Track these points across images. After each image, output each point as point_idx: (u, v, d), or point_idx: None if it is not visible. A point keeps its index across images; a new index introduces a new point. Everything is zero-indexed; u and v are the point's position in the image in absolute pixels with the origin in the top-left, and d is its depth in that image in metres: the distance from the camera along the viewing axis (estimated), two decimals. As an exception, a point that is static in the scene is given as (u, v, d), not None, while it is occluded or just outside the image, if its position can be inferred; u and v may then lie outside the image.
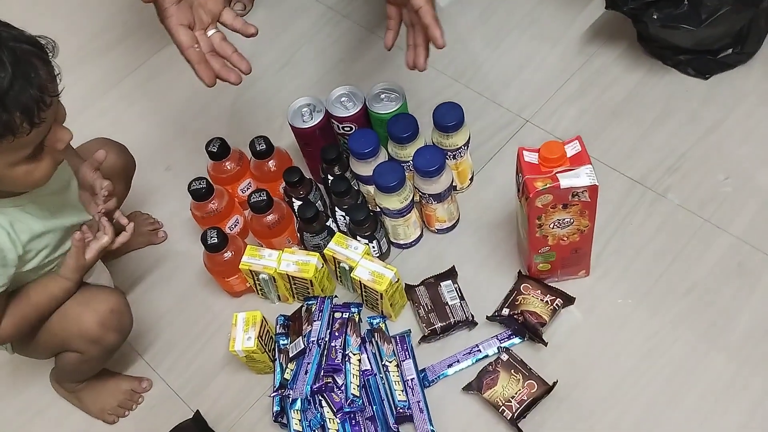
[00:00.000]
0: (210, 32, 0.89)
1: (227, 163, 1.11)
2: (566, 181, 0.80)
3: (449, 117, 1.01)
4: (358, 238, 1.03)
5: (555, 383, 0.91)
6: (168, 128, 1.32)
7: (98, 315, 0.89)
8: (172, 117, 1.34)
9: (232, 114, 1.31)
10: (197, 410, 0.98)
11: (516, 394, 0.90)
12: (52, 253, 0.87)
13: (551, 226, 0.87)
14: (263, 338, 0.97)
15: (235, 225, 1.11)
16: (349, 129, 1.07)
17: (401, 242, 1.09)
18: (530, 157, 0.83)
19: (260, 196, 1.02)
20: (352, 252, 1.00)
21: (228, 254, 1.02)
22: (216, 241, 1.00)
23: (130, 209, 1.19)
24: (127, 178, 1.07)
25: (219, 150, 1.09)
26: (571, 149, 0.83)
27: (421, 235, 1.10)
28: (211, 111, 1.32)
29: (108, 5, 1.53)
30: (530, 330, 0.94)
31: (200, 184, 1.05)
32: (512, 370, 0.92)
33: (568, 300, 0.97)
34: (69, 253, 0.88)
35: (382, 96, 1.07)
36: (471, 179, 1.14)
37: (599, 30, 1.27)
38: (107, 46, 1.46)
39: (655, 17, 1.10)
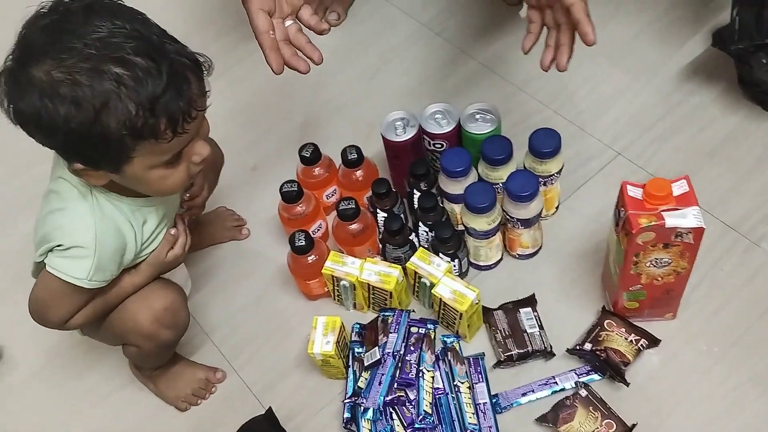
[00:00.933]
0: (288, 23, 0.91)
1: (317, 169, 1.13)
2: (672, 220, 0.79)
3: (546, 143, 1.01)
4: (440, 255, 1.03)
5: (634, 425, 0.89)
6: (256, 129, 1.34)
7: (153, 312, 0.90)
8: (261, 118, 1.36)
9: (319, 120, 1.33)
10: (270, 407, 0.99)
11: (593, 431, 0.88)
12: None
13: (648, 264, 0.85)
14: (339, 344, 0.97)
15: (318, 230, 1.12)
16: (440, 146, 1.07)
17: (481, 263, 1.08)
18: (634, 192, 0.82)
19: (349, 204, 1.03)
20: (435, 269, 1.00)
21: (312, 257, 1.03)
22: (303, 243, 1.01)
23: (216, 204, 1.21)
24: (216, 171, 1.09)
25: (311, 155, 1.11)
26: (678, 188, 0.81)
27: (501, 259, 1.09)
28: (297, 116, 1.34)
29: (204, 4, 1.57)
30: (613, 368, 0.92)
31: (292, 186, 1.07)
32: (591, 407, 0.90)
33: (654, 342, 0.95)
34: (156, 250, 0.91)
35: (477, 116, 1.07)
36: (557, 207, 1.12)
37: (698, 68, 1.25)
38: (203, 44, 1.49)
39: (764, 61, 1.07)
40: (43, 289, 0.86)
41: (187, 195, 1.01)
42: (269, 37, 0.88)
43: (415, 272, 1.01)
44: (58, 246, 0.81)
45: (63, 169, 0.81)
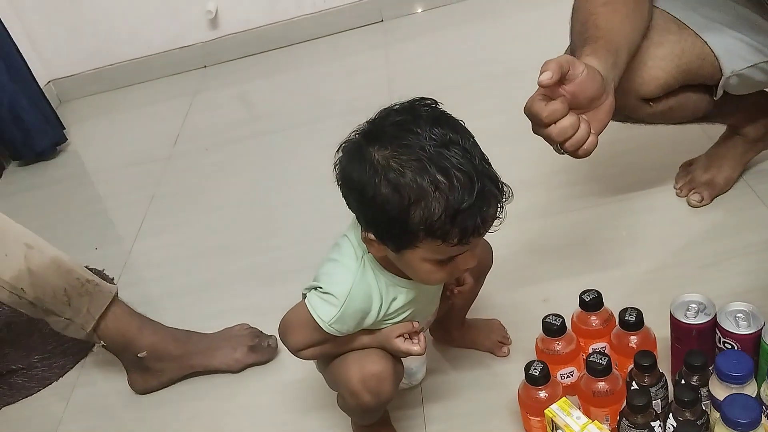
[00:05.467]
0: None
1: (594, 318, 1.10)
2: None
3: None
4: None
5: None
6: (550, 257, 1.36)
7: (362, 373, 0.97)
8: (561, 248, 1.38)
9: (624, 277, 1.29)
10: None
11: None
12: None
13: None
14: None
15: (568, 376, 1.08)
16: (729, 346, 0.96)
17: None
18: None
19: (601, 359, 0.99)
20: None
21: (543, 393, 1.00)
22: (537, 374, 0.99)
23: (494, 314, 1.25)
24: (482, 273, 1.14)
25: (592, 302, 1.09)
26: None
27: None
28: (590, 257, 1.33)
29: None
30: None
31: (556, 320, 1.06)
32: None
33: None
34: (391, 327, 0.99)
35: (786, 332, 0.93)
36: None
37: None
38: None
39: None
40: (294, 315, 1.01)
41: (456, 290, 1.08)
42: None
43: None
44: (320, 287, 0.96)
45: (352, 230, 0.96)
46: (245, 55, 2.56)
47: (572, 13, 1.09)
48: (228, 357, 1.31)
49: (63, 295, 1.22)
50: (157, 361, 1.30)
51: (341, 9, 2.50)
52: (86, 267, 1.33)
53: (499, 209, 0.86)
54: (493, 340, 1.22)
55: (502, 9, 2.40)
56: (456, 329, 1.19)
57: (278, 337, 1.06)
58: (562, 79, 0.91)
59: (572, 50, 1.04)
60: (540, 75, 0.90)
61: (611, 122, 1.00)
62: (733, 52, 1.16)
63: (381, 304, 0.96)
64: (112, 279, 1.63)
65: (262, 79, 2.46)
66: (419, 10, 2.52)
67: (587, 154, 0.94)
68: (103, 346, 1.30)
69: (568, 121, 0.91)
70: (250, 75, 2.49)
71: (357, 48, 2.46)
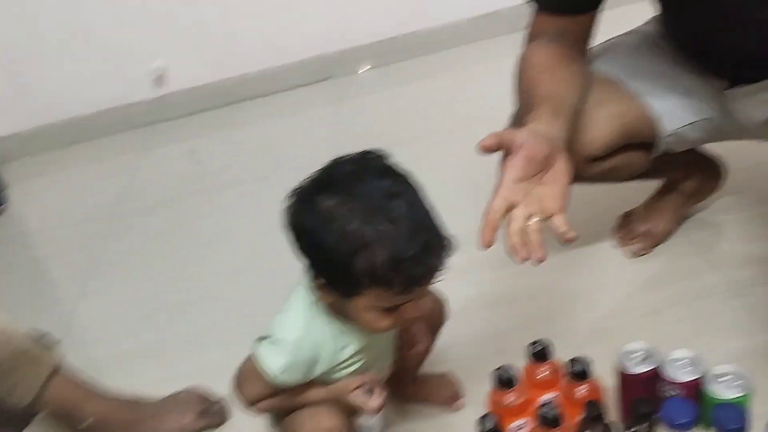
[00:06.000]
0: (533, 219, 0.91)
1: (544, 369, 1.12)
2: None
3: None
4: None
5: None
6: (500, 309, 1.39)
7: (316, 429, 0.97)
8: (510, 300, 1.40)
9: (576, 329, 1.31)
10: None
11: None
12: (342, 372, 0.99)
13: None
14: None
15: (521, 428, 1.09)
16: (674, 393, 0.99)
17: None
18: None
19: (552, 409, 1.00)
20: None
21: (492, 443, 1.01)
22: (488, 428, 1.00)
23: (449, 367, 1.26)
24: (434, 329, 1.15)
25: (541, 353, 1.11)
26: None
27: None
28: (539, 308, 1.36)
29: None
30: None
31: (506, 372, 1.08)
32: None
33: None
34: (346, 380, 0.99)
35: (725, 378, 0.96)
36: None
37: None
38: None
39: None
40: (247, 367, 1.00)
41: (411, 351, 1.08)
42: (495, 217, 0.90)
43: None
44: (270, 336, 0.96)
45: (305, 277, 0.97)
46: (194, 111, 2.56)
47: (514, 80, 1.14)
48: (177, 423, 1.28)
49: (3, 364, 1.18)
50: (104, 429, 1.26)
51: (289, 66, 2.54)
52: (29, 331, 1.29)
53: (443, 261, 0.88)
54: (446, 395, 1.23)
55: (450, 65, 2.46)
56: (410, 384, 1.19)
57: (231, 398, 1.04)
58: (504, 149, 0.93)
59: (517, 117, 1.08)
60: (480, 143, 0.92)
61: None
62: (670, 113, 1.22)
63: (331, 353, 0.96)
64: (57, 341, 1.58)
65: (211, 135, 2.46)
66: (367, 68, 2.58)
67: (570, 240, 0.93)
68: (47, 414, 1.25)
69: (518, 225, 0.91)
70: (199, 131, 2.49)
71: (306, 105, 2.49)
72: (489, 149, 0.91)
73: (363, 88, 2.53)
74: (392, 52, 2.54)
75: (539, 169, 0.94)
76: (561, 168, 0.95)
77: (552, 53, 1.12)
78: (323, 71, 2.56)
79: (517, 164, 0.92)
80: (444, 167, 1.75)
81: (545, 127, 0.99)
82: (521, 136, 0.94)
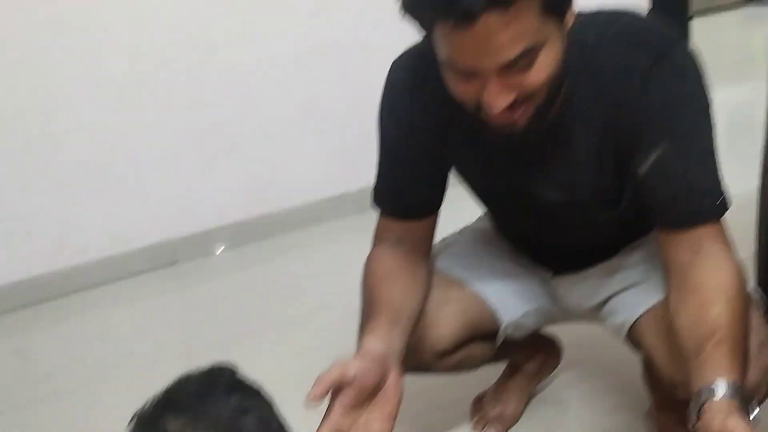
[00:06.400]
0: None
1: None
2: None
3: None
4: None
5: None
6: None
7: None
8: None
9: None
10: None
11: None
12: None
13: None
14: None
15: None
16: None
17: None
18: None
19: None
20: None
21: None
22: None
23: None
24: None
25: None
26: None
27: None
28: None
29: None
30: None
31: None
32: None
33: None
34: None
35: None
36: None
37: None
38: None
39: None
40: None
41: None
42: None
43: None
44: None
45: None
46: (23, 305, 2.38)
47: (361, 285, 1.18)
48: None
49: None
50: None
51: (132, 253, 2.46)
52: None
53: None
54: None
55: (303, 244, 2.50)
56: None
57: None
58: (339, 386, 0.95)
59: (362, 322, 1.11)
60: (309, 395, 0.92)
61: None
62: (506, 305, 1.30)
63: None
64: None
65: (42, 331, 2.29)
66: (218, 252, 2.56)
67: None
68: None
69: None
70: (28, 327, 2.31)
71: (150, 292, 2.40)
72: (320, 398, 0.92)
73: (211, 271, 2.49)
74: (243, 234, 2.56)
75: (370, 393, 0.97)
76: (392, 386, 0.98)
77: (393, 259, 1.17)
78: (169, 255, 2.51)
79: (348, 394, 0.94)
80: (293, 357, 1.73)
81: (380, 344, 1.02)
82: (352, 368, 0.95)
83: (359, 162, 2.49)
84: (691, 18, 3.40)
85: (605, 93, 1.01)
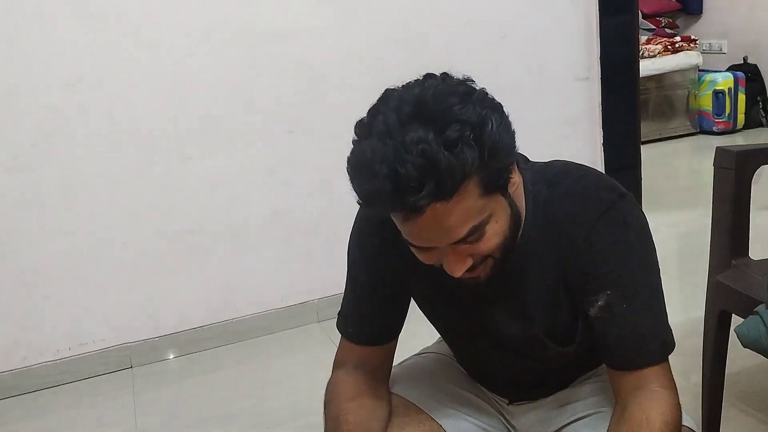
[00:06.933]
0: None
1: None
2: None
3: None
4: None
5: None
6: None
7: None
8: None
9: None
10: None
11: None
12: None
13: None
14: None
15: None
16: None
17: None
18: None
19: None
20: None
21: None
22: None
23: None
24: None
25: None
26: None
27: None
28: None
29: None
30: None
31: None
32: None
33: None
34: None
35: None
36: None
37: None
38: None
39: None
40: None
41: None
42: None
43: None
44: None
45: None
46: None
47: (324, 407, 1.19)
48: None
49: None
50: None
51: (86, 356, 2.42)
52: None
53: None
54: None
55: (258, 354, 2.50)
56: None
57: None
58: None
59: None
60: None
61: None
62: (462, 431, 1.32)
63: None
64: None
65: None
66: (171, 357, 2.53)
67: None
68: None
69: None
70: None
71: (104, 396, 2.36)
72: None
73: (166, 377, 2.46)
74: (200, 341, 2.54)
75: None
76: None
77: (356, 382, 1.20)
78: (123, 359, 2.47)
79: None
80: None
81: None
82: None
83: (323, 271, 2.55)
84: (643, 143, 3.58)
85: (557, 241, 1.09)
